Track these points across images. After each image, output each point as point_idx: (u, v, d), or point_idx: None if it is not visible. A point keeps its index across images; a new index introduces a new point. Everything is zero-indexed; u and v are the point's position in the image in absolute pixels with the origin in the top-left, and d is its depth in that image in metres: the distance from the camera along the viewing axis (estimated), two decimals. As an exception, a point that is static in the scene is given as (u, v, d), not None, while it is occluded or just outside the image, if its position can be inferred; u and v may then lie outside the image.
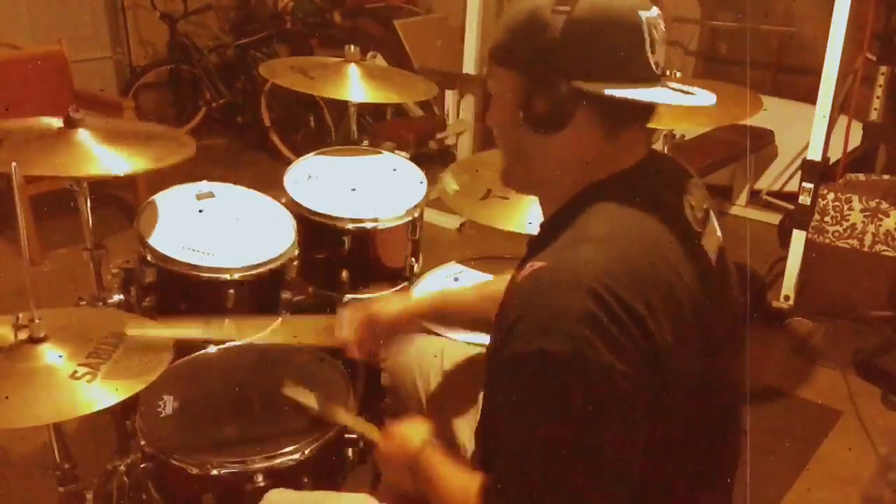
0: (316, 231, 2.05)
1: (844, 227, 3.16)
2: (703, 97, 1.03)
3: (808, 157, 3.05)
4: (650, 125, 1.04)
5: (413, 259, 2.20)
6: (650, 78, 0.96)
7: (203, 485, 1.46)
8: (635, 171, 1.03)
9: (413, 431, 1.20)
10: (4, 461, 2.27)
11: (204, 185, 2.08)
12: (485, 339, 1.26)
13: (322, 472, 1.53)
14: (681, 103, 0.97)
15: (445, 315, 1.53)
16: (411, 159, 2.38)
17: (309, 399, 1.54)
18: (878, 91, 3.73)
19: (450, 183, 2.15)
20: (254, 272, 1.85)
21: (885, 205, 3.11)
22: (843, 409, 2.67)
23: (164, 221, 1.93)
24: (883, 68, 3.70)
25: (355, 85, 2.34)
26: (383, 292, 2.10)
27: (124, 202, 3.79)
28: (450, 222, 3.83)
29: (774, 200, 4.19)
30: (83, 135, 1.77)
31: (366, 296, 2.10)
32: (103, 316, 1.75)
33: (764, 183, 4.28)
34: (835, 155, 3.25)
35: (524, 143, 1.03)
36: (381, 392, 1.69)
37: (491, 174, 1.99)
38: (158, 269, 1.82)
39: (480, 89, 4.01)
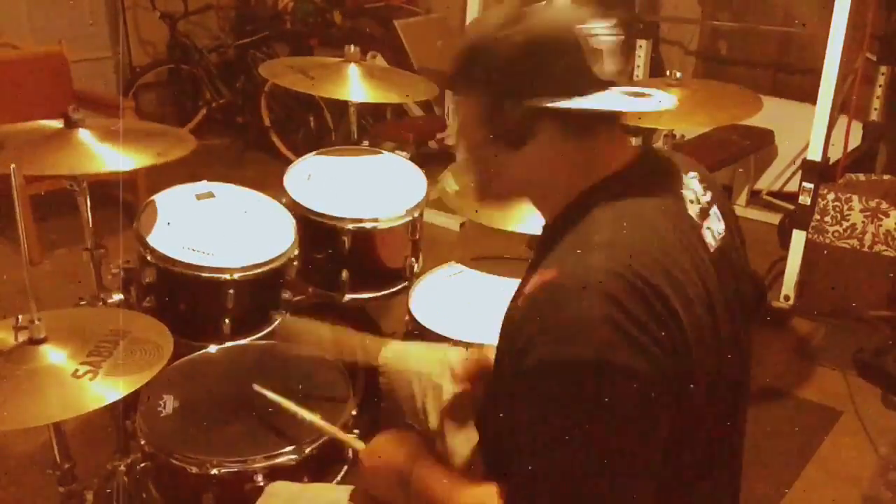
0: (316, 231, 2.05)
1: (844, 227, 3.16)
2: (659, 100, 1.07)
3: (808, 157, 3.05)
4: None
5: (413, 259, 2.20)
6: (597, 86, 1.00)
7: (203, 484, 1.46)
8: (629, 171, 1.05)
9: (399, 447, 1.20)
10: (4, 461, 2.27)
11: (204, 185, 2.08)
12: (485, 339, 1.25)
13: (322, 472, 1.53)
14: (630, 109, 1.01)
15: None
16: (411, 159, 2.39)
17: (284, 401, 1.52)
18: (878, 91, 3.74)
19: (450, 183, 2.15)
20: (254, 272, 1.85)
21: (885, 205, 3.11)
22: (843, 408, 2.67)
23: (163, 221, 1.93)
24: (883, 68, 3.71)
25: (355, 85, 2.34)
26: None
27: (124, 202, 3.79)
28: (450, 222, 3.83)
29: (774, 200, 4.19)
30: (83, 135, 1.77)
31: (366, 295, 2.11)
32: (103, 315, 1.75)
33: (764, 183, 4.28)
34: (835, 155, 3.24)
35: (499, 158, 1.07)
36: (381, 393, 1.69)
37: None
38: (158, 269, 1.83)
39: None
